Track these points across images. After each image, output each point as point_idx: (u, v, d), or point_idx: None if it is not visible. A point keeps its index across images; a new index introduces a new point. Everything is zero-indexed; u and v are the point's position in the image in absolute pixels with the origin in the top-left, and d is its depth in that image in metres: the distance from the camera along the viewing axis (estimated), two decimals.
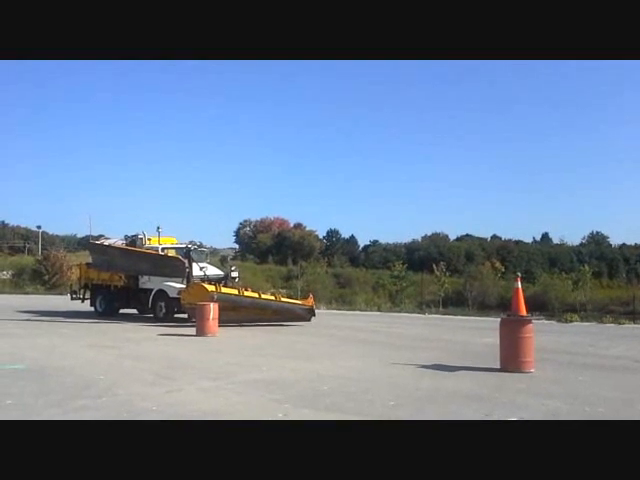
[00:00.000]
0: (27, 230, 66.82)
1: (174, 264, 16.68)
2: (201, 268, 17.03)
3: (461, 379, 8.28)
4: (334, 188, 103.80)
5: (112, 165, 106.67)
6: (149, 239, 18.34)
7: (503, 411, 6.28)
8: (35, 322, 16.67)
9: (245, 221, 76.36)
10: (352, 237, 73.75)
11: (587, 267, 29.48)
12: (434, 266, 29.24)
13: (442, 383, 7.94)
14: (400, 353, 10.92)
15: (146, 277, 17.77)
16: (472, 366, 9.26)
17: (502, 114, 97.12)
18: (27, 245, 60.31)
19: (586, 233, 74.94)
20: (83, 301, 20.09)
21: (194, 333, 13.48)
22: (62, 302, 22.39)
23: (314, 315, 16.77)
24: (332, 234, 73.56)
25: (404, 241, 68.79)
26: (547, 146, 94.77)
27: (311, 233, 70.50)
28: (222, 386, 7.64)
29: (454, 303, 27.43)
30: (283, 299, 17.45)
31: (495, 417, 6.04)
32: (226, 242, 69.58)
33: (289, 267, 45.75)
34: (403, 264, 31.00)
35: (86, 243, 20.40)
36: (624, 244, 70.42)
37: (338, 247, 70.21)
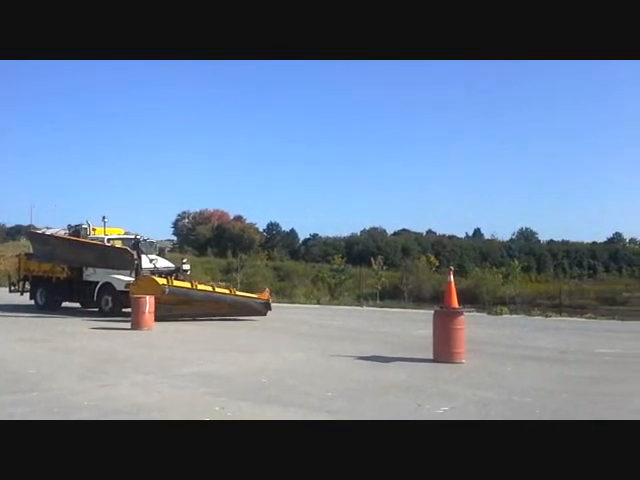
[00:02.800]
0: None
1: (122, 256, 15.91)
2: (151, 260, 16.39)
3: (396, 370, 8.49)
4: (275, 181, 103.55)
5: (45, 152, 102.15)
6: (94, 229, 17.47)
7: (436, 401, 6.50)
8: None
9: (184, 212, 75.10)
10: (292, 230, 73.95)
11: (516, 262, 30.73)
12: (372, 260, 29.75)
13: (378, 374, 8.13)
14: (339, 345, 11.08)
15: (91, 269, 16.93)
16: (407, 357, 9.51)
17: (439, 112, 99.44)
18: None
19: (516, 229, 78.19)
20: (22, 294, 18.91)
21: (129, 327, 13.18)
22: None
23: (270, 309, 16.28)
24: (272, 227, 73.47)
25: (343, 235, 69.52)
26: (479, 145, 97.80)
27: (251, 226, 70.12)
28: (157, 380, 7.54)
29: (391, 296, 27.98)
30: (238, 293, 16.95)
31: (428, 407, 6.25)
32: (164, 234, 68.08)
33: (229, 260, 45.32)
34: (342, 258, 31.36)
35: (27, 233, 19.19)
36: (552, 240, 73.91)
37: (278, 240, 70.21)
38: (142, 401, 6.31)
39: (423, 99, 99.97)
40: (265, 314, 16.06)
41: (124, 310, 15.97)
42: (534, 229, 77.45)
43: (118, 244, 16.91)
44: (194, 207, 77.06)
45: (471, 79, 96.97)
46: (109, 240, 17.13)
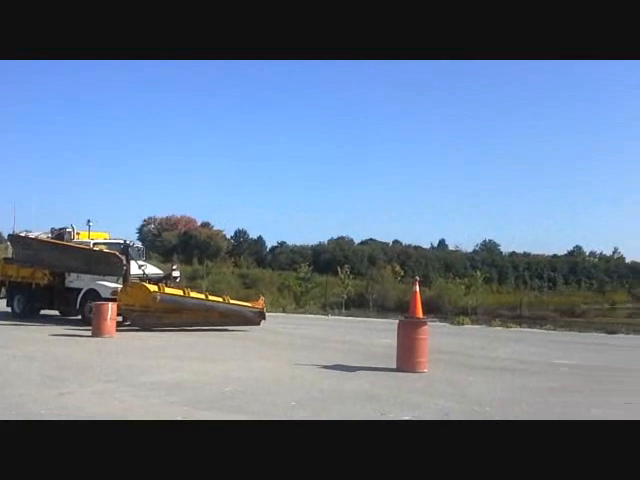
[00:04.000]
0: None
1: (110, 261, 15.19)
2: (140, 266, 15.66)
3: (360, 379, 8.55)
4: (243, 188, 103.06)
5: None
6: (78, 233, 16.76)
7: (398, 410, 6.58)
8: None
9: (149, 218, 74.06)
10: (260, 238, 73.67)
11: (479, 273, 31.31)
12: (338, 269, 29.88)
13: (342, 384, 8.17)
14: (303, 354, 11.09)
15: (74, 275, 16.15)
16: (371, 366, 9.59)
17: (406, 120, 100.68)
18: None
19: (479, 241, 79.56)
20: None
21: (90, 334, 12.94)
22: None
23: (264, 318, 15.47)
24: (240, 234, 73.09)
25: (311, 243, 69.62)
26: (443, 156, 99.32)
27: (218, 233, 69.64)
28: (118, 389, 7.43)
29: (356, 305, 28.10)
30: (232, 301, 15.90)
31: (391, 416, 6.32)
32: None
33: (194, 266, 44.88)
34: (309, 266, 31.39)
35: (9, 236, 17.82)
36: (514, 252, 75.38)
37: (245, 247, 69.87)
38: (102, 410, 6.22)
39: (391, 103, 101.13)
40: (259, 323, 15.35)
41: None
42: (497, 241, 79.00)
43: (103, 249, 16.16)
44: (160, 213, 76.22)
45: (435, 88, 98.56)
46: (95, 245, 16.41)
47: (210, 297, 15.55)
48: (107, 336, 12.76)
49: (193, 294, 15.24)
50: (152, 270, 16.60)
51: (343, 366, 9.59)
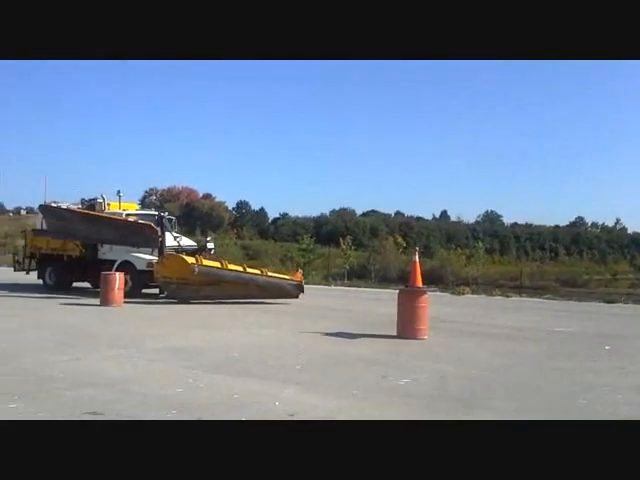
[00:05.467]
0: None
1: (146, 233, 14.88)
2: (175, 238, 15.42)
3: (362, 345, 8.85)
4: (245, 159, 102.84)
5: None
6: (108, 204, 16.52)
7: (398, 373, 6.86)
8: None
9: (151, 189, 74.19)
10: (262, 209, 73.99)
11: (480, 244, 31.44)
12: (340, 240, 30.06)
13: (344, 349, 8.46)
14: (307, 322, 11.38)
15: (107, 247, 16.00)
16: (372, 333, 9.87)
17: (409, 98, 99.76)
18: None
19: (482, 212, 79.68)
20: (28, 272, 17.80)
21: (98, 303, 13.24)
22: (3, 274, 20.48)
23: (303, 291, 14.94)
24: (242, 206, 73.31)
25: (313, 215, 69.82)
26: (447, 129, 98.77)
27: (221, 204, 69.81)
28: (129, 354, 7.72)
29: (358, 276, 28.39)
30: (270, 274, 15.41)
31: (391, 378, 6.60)
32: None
33: (197, 238, 45.12)
34: (311, 237, 31.57)
35: (40, 207, 17.32)
36: (516, 223, 75.61)
37: (248, 219, 70.16)
38: (117, 373, 6.51)
39: (395, 86, 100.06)
40: (297, 297, 14.82)
41: (144, 291, 15.41)
42: (499, 212, 79.15)
43: (137, 220, 15.88)
44: (162, 184, 76.30)
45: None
46: (127, 215, 16.19)
47: (248, 269, 15.15)
48: (115, 305, 13.06)
49: (231, 266, 14.87)
50: (186, 242, 16.33)
51: (345, 333, 9.87)
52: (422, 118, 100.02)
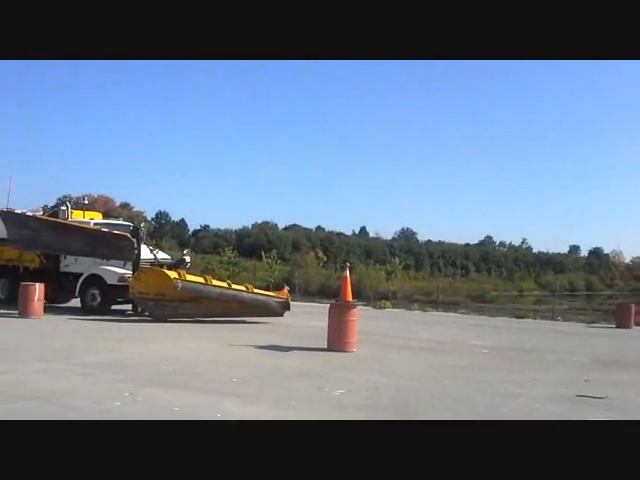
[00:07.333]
0: None
1: (120, 244, 13.75)
2: (151, 250, 14.40)
3: (295, 358, 9.09)
4: (165, 169, 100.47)
5: None
6: (71, 212, 15.45)
7: (333, 385, 7.14)
8: None
9: (64, 197, 70.65)
10: (182, 220, 72.45)
11: (397, 260, 32.72)
12: (263, 253, 30.23)
13: (278, 362, 8.66)
14: (238, 335, 11.46)
15: (72, 258, 14.80)
16: (303, 346, 10.13)
17: (336, 111, 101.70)
18: None
19: (398, 229, 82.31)
20: None
21: (17, 316, 12.69)
22: None
23: (289, 309, 14.07)
24: (161, 216, 71.53)
25: (235, 228, 69.34)
26: (365, 144, 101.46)
27: (139, 214, 67.75)
28: (61, 367, 7.55)
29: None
30: (256, 290, 14.54)
31: (327, 390, 6.87)
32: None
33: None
34: (233, 250, 31.53)
35: (1, 213, 15.57)
36: (429, 240, 78.55)
37: (167, 230, 68.50)
38: (51, 387, 6.37)
39: (321, 97, 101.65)
40: (282, 315, 14.00)
41: (113, 307, 14.41)
42: (414, 229, 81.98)
43: (112, 231, 14.62)
44: (76, 191, 73.17)
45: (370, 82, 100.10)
46: (95, 225, 15.15)
47: (233, 286, 14.20)
48: (34, 317, 12.57)
49: (215, 282, 13.98)
50: (162, 255, 15.34)
51: (278, 346, 10.06)
52: (342, 133, 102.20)
